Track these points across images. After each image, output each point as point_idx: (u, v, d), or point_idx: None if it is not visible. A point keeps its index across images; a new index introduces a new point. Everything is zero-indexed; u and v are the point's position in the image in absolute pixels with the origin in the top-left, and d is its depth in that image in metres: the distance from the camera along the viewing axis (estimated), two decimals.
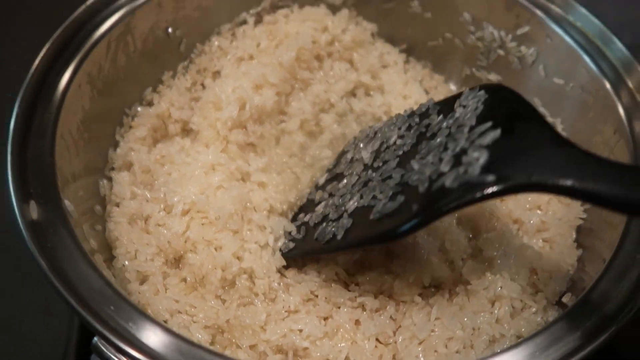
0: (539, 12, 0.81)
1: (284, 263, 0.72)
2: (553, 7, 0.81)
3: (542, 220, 0.73)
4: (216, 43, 0.91)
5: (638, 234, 0.62)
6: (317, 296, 0.69)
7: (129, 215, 0.74)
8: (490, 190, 0.51)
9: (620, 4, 1.35)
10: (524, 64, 0.87)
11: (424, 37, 0.97)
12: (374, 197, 0.62)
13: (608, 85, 0.74)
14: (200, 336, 0.65)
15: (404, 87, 0.94)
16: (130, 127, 0.83)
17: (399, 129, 0.70)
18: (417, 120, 0.68)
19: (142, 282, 0.70)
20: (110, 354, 0.52)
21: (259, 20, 0.93)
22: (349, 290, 0.70)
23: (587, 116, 0.77)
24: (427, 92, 0.96)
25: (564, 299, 0.67)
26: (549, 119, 0.84)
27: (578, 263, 0.71)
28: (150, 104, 0.86)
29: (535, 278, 0.70)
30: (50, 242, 0.57)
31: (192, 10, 0.87)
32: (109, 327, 0.52)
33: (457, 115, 0.61)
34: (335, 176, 0.77)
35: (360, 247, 0.71)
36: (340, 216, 0.67)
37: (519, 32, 0.84)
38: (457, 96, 0.64)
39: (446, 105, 0.65)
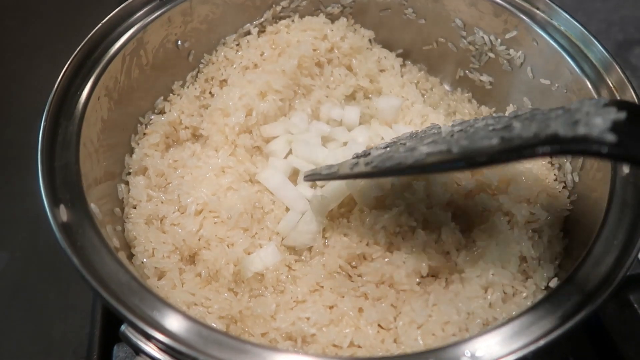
0: (525, 18, 0.83)
1: (294, 257, 0.74)
2: (538, 12, 0.83)
3: (531, 213, 0.73)
4: (222, 53, 0.93)
5: (615, 222, 0.63)
6: (322, 287, 0.71)
7: (145, 216, 0.77)
8: (604, 150, 0.45)
9: (611, 2, 1.38)
10: (513, 65, 0.88)
11: (418, 42, 0.99)
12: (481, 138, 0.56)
13: (589, 85, 0.76)
14: (215, 325, 0.67)
15: (401, 90, 0.95)
16: (145, 134, 0.85)
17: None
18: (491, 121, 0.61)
19: (160, 278, 0.72)
20: (136, 340, 0.54)
21: (262, 30, 0.95)
22: (352, 281, 0.72)
23: None
24: (422, 94, 0.97)
25: (552, 284, 0.68)
26: None
27: (564, 251, 0.72)
28: (162, 112, 0.88)
29: (525, 265, 0.71)
30: (79, 242, 0.60)
31: (200, 24, 0.88)
32: (136, 315, 0.55)
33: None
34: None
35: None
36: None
37: (508, 36, 0.86)
38: None
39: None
